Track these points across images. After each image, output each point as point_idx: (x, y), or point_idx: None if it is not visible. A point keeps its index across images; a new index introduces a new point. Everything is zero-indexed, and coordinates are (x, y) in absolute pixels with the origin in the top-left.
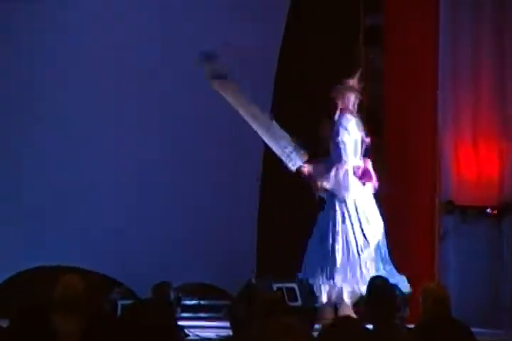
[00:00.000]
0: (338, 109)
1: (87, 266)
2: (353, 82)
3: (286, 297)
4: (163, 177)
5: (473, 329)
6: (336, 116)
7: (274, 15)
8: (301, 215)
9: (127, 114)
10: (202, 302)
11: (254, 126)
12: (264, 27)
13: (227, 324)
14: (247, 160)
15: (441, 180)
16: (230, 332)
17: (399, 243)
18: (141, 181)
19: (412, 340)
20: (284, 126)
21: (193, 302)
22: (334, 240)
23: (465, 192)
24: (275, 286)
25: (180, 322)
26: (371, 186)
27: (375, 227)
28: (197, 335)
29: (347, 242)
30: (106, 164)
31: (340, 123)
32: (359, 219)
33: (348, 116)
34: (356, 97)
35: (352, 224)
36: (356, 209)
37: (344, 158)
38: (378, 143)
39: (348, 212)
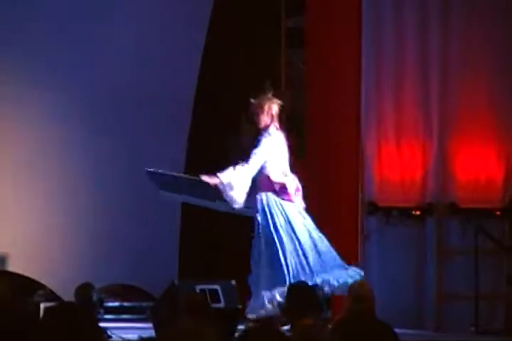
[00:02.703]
0: (264, 123)
1: (11, 268)
2: (269, 92)
3: (209, 299)
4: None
5: (397, 330)
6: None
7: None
8: (222, 218)
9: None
10: (125, 303)
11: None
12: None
13: (150, 325)
14: None
15: (365, 181)
16: (153, 334)
17: None
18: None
19: (331, 339)
20: (207, 134)
21: (116, 303)
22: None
23: (388, 193)
24: (198, 288)
25: (102, 324)
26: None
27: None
28: (120, 337)
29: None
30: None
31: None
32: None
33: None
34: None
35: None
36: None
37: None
38: (301, 144)
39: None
